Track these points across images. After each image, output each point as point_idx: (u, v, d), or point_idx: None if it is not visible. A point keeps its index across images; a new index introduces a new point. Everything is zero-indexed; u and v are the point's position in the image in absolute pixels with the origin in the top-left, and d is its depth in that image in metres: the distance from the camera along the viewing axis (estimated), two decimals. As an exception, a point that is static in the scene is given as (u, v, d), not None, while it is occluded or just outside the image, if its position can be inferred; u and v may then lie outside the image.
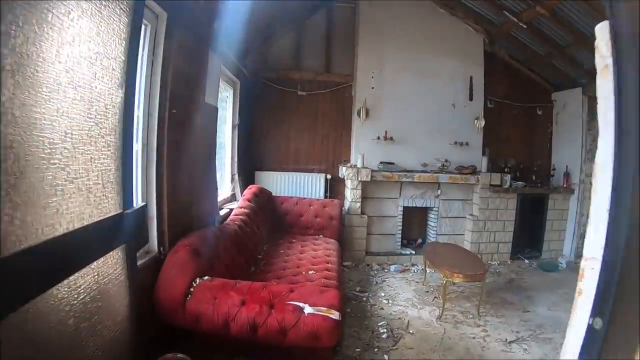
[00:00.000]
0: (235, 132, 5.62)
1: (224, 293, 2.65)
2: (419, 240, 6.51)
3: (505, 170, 6.55)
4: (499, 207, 6.24)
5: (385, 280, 5.24)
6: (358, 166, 5.74)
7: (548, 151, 7.15)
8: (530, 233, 6.73)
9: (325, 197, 6.23)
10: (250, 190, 5.08)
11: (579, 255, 6.97)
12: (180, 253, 2.87)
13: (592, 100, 6.57)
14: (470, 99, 6.22)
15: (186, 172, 3.35)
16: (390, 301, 4.57)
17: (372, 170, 5.74)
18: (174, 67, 2.96)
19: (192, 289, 2.69)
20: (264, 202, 5.16)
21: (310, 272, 3.85)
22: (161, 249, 2.96)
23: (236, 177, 5.66)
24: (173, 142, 3.06)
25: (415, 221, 6.55)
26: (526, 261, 6.39)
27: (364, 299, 4.60)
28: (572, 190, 6.64)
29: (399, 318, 4.14)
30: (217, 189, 4.23)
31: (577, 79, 6.53)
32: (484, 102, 6.37)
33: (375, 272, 5.57)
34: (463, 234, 6.36)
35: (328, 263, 4.14)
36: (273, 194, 5.62)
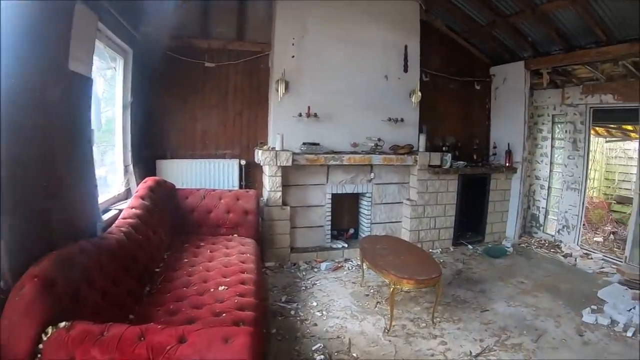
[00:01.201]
0: (128, 113, 4.51)
1: (84, 352, 1.73)
2: (351, 231, 5.81)
3: (444, 149, 5.96)
4: (438, 189, 5.65)
5: (316, 284, 4.47)
6: (276, 149, 4.90)
7: (487, 128, 6.66)
8: (472, 216, 6.22)
9: (241, 187, 5.33)
10: (144, 184, 3.98)
11: (523, 236, 6.57)
12: (26, 289, 1.88)
13: (534, 74, 6.09)
14: (405, 70, 5.53)
15: (37, 167, 2.32)
16: (324, 313, 3.79)
17: (294, 153, 4.92)
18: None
19: (41, 346, 1.76)
20: (164, 198, 4.13)
21: (220, 289, 2.94)
22: (1, 283, 1.96)
23: (131, 168, 4.57)
24: (11, 125, 2.04)
25: (345, 209, 5.83)
26: (470, 247, 5.89)
27: (292, 312, 3.79)
28: (515, 169, 6.17)
29: (338, 337, 3.37)
30: (95, 185, 3.12)
31: (519, 52, 6.03)
32: (420, 74, 5.70)
33: (304, 272, 4.79)
34: (400, 221, 5.72)
35: (243, 272, 3.27)
36: (177, 187, 4.60)
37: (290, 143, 5.04)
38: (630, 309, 3.85)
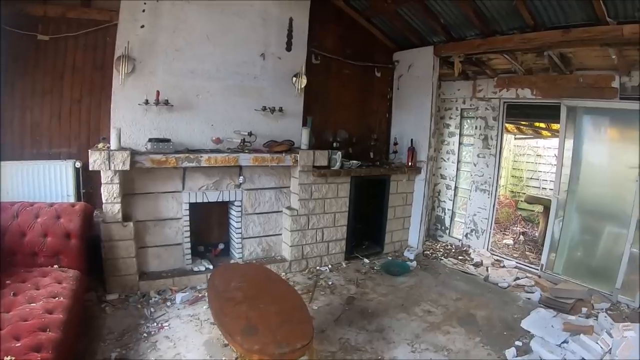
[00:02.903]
0: None
1: None
2: (220, 246, 4.73)
3: (335, 145, 5.04)
4: (326, 195, 4.73)
5: (165, 326, 3.37)
6: (111, 147, 3.71)
7: (388, 122, 5.84)
8: (368, 223, 5.41)
9: (79, 197, 4.05)
10: None
11: (427, 240, 5.92)
12: None
13: (444, 62, 5.31)
14: (289, 48, 4.50)
15: None
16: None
17: (135, 153, 3.76)
18: None
19: None
20: None
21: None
22: None
23: None
24: None
25: (214, 219, 4.75)
26: (366, 260, 5.06)
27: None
28: (419, 169, 5.40)
29: None
30: None
31: (429, 36, 5.20)
32: (307, 55, 4.70)
33: (152, 308, 3.65)
34: (280, 234, 4.74)
35: (46, 330, 2.33)
36: None
37: (136, 139, 3.92)
38: (562, 343, 3.20)
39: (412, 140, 5.40)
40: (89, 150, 3.64)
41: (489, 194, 5.50)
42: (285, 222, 4.64)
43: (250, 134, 4.27)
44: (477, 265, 5.13)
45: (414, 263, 5.04)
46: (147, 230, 4.11)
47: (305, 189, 4.55)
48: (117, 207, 3.77)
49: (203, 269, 4.28)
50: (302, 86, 4.55)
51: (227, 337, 2.37)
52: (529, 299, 4.21)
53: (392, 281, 4.52)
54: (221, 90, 4.26)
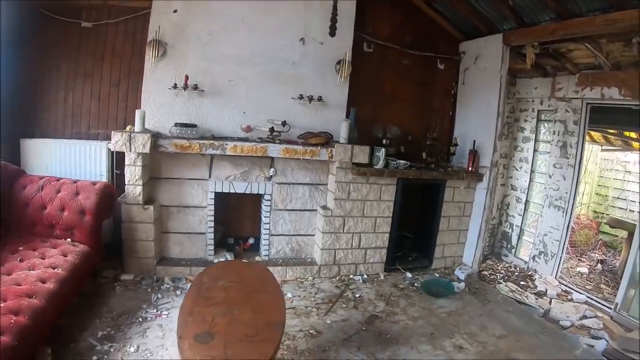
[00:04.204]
0: None
1: None
2: (251, 241, 4.46)
3: (384, 143, 4.53)
4: (366, 197, 4.25)
5: (163, 315, 3.22)
6: (135, 130, 3.64)
7: (451, 120, 5.21)
8: (417, 233, 4.86)
9: (112, 177, 4.09)
10: None
11: (490, 258, 5.22)
12: None
13: (514, 53, 4.64)
14: (332, 34, 4.09)
15: None
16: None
17: (159, 137, 3.68)
18: None
19: None
20: None
21: None
22: None
23: None
24: None
25: (246, 211, 4.49)
26: (408, 275, 4.50)
27: (95, 358, 2.61)
28: (480, 175, 4.73)
29: None
30: None
31: (497, 22, 4.55)
32: (353, 40, 4.27)
33: (161, 295, 3.54)
34: (312, 235, 4.37)
35: (32, 297, 2.43)
36: (33, 174, 3.61)
37: (165, 123, 3.87)
38: None
39: (474, 141, 4.74)
40: (113, 132, 3.60)
41: (563, 212, 4.67)
42: (319, 223, 4.26)
43: (284, 123, 3.97)
44: (540, 295, 4.30)
45: (462, 284, 4.35)
46: (171, 215, 4.00)
47: (342, 187, 4.13)
48: (139, 189, 3.70)
49: (223, 260, 4.05)
50: (346, 75, 4.15)
51: (177, 339, 2.06)
52: (591, 346, 3.32)
53: (430, 303, 3.90)
54: (256, 76, 4.02)
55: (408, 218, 4.66)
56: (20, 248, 3.03)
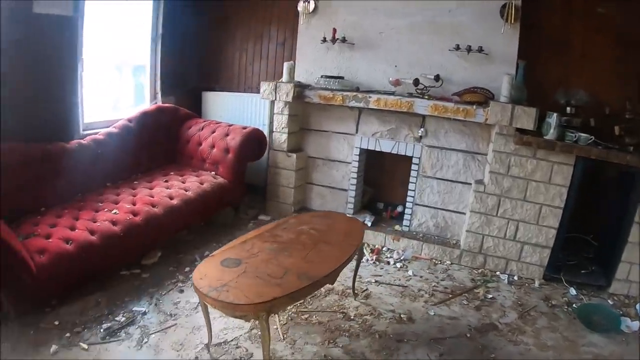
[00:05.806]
0: (158, 46, 4.40)
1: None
2: (399, 208, 4.12)
3: (568, 111, 3.49)
4: (531, 175, 3.33)
5: None
6: (283, 80, 3.88)
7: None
8: (596, 238, 3.75)
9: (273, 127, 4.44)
10: (140, 109, 3.99)
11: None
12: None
13: None
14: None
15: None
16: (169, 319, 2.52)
17: (303, 87, 3.81)
18: None
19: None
20: (160, 125, 4.03)
21: (112, 212, 2.87)
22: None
23: (159, 97, 4.51)
24: None
25: (399, 176, 4.11)
26: (572, 292, 3.31)
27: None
28: None
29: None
30: (75, 103, 3.42)
31: None
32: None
33: None
34: (463, 213, 3.73)
35: (155, 206, 3.04)
36: (209, 119, 4.46)
37: (317, 76, 3.95)
38: None
39: None
40: (261, 82, 3.94)
41: None
42: (470, 199, 3.62)
43: (437, 77, 3.53)
44: None
45: (636, 325, 2.89)
46: (316, 167, 4.13)
47: (500, 159, 3.36)
48: (284, 137, 3.96)
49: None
50: (514, 21, 3.43)
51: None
52: None
53: (578, 334, 2.74)
54: (408, 27, 3.67)
55: (589, 216, 3.57)
56: (171, 173, 3.74)
